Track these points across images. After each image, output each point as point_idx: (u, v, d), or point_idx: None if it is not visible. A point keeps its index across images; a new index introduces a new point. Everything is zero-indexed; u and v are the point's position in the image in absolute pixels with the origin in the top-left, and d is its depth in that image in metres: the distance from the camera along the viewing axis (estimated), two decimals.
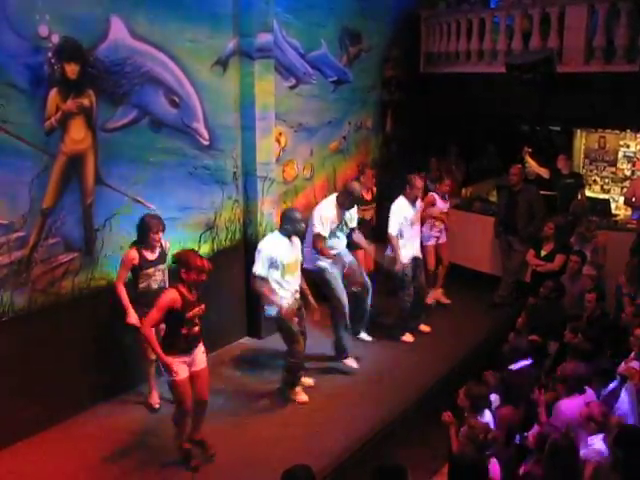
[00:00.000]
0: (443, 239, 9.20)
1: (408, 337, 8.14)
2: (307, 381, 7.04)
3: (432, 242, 9.08)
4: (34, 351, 5.90)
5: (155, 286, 6.10)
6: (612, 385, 5.42)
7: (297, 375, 6.69)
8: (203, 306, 5.38)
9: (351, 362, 7.44)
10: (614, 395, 5.26)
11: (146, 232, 6.05)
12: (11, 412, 5.71)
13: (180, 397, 5.38)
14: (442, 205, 9.10)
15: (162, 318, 5.20)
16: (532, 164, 9.86)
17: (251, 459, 5.72)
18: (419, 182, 7.88)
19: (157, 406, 6.45)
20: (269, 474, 4.98)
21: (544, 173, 9.75)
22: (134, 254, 6.04)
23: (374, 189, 9.22)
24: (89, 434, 6.03)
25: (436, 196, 9.05)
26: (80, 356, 6.27)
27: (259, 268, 6.27)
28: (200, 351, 5.48)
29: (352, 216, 7.42)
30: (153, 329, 5.25)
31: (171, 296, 5.18)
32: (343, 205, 7.16)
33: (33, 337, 5.90)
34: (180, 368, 5.27)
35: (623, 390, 5.17)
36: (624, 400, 5.06)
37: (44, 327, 5.98)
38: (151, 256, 6.11)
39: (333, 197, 7.27)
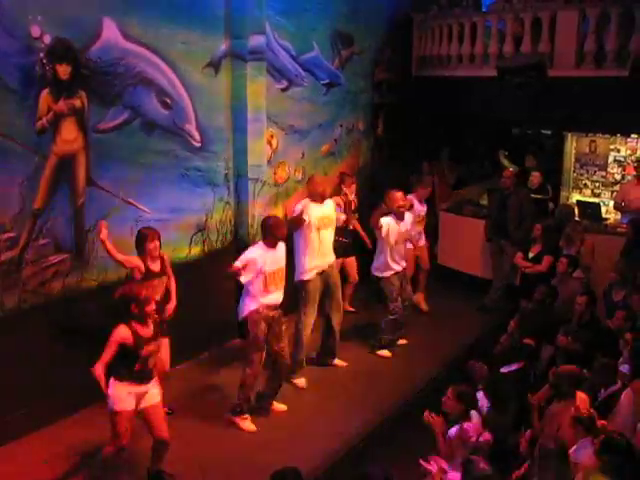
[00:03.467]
0: (422, 242, 9.01)
1: (385, 353, 7.92)
2: (300, 381, 7.02)
3: (409, 245, 8.44)
4: (23, 352, 5.87)
5: (157, 298, 5.83)
6: (612, 388, 5.42)
7: (247, 395, 6.24)
8: (160, 341, 5.11)
9: (339, 362, 7.59)
10: (614, 398, 5.27)
11: (142, 243, 5.93)
12: None
13: (117, 431, 4.97)
14: (419, 208, 8.80)
15: (113, 355, 4.88)
16: (506, 164, 10.77)
17: (239, 462, 5.71)
18: (396, 195, 7.60)
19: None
20: (258, 477, 4.99)
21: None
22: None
23: (355, 199, 8.53)
24: (78, 436, 5.99)
25: (414, 200, 8.64)
26: (70, 357, 6.22)
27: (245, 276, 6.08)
28: (152, 386, 5.12)
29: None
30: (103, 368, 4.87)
31: (121, 334, 4.87)
32: (315, 200, 7.04)
33: (22, 338, 5.87)
34: (125, 399, 4.96)
35: (623, 393, 5.20)
36: (623, 404, 5.09)
37: (34, 328, 5.95)
38: (154, 267, 5.96)
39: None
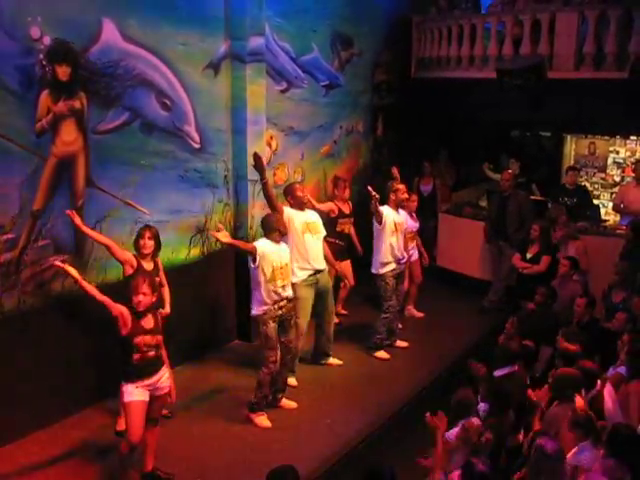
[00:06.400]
0: (415, 257, 8.85)
1: (382, 354, 7.88)
2: (291, 382, 6.95)
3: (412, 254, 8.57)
4: (22, 353, 5.87)
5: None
6: (598, 389, 5.43)
7: (264, 393, 6.32)
8: (160, 337, 5.10)
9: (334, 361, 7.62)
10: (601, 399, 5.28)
11: (136, 239, 5.94)
12: None
13: (130, 422, 5.05)
14: (411, 224, 8.54)
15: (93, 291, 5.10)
16: (491, 176, 10.93)
17: (238, 463, 5.70)
18: (398, 186, 7.82)
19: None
20: (257, 478, 4.99)
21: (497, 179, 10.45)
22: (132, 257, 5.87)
23: (349, 201, 8.80)
24: (77, 438, 5.98)
25: (406, 214, 8.30)
26: (69, 359, 6.23)
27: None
28: (164, 376, 5.18)
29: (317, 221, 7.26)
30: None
31: (123, 308, 4.96)
32: (296, 208, 7.07)
33: (21, 339, 5.87)
34: (133, 392, 5.03)
35: (605, 394, 5.21)
36: (607, 404, 5.10)
37: (33, 329, 5.94)
38: (147, 266, 5.91)
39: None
